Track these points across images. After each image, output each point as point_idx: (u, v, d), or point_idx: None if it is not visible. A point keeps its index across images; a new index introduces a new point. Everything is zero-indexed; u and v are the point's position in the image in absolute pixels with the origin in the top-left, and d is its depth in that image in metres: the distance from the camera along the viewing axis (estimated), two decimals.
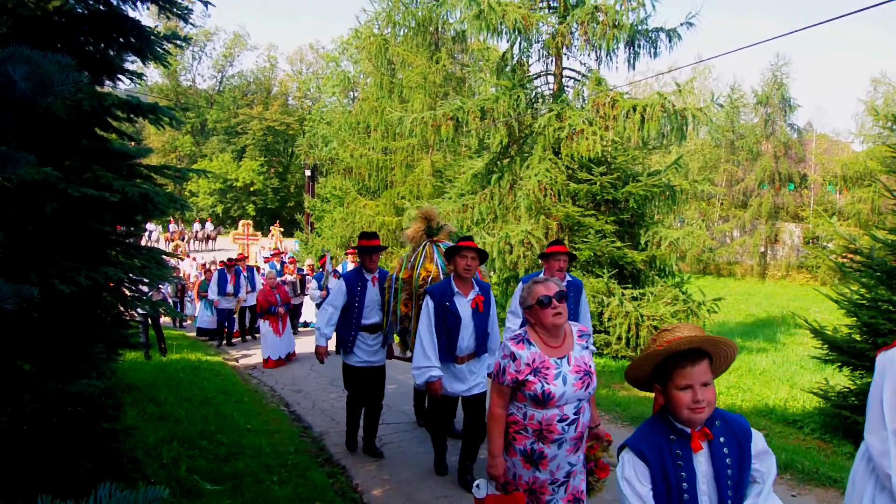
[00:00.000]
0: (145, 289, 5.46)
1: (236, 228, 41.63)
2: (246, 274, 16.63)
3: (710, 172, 37.49)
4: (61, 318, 4.09)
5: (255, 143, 61.90)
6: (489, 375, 4.31)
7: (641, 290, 13.43)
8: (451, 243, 6.76)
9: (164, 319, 23.39)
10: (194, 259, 29.99)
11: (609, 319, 12.85)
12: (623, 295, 12.92)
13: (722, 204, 39.08)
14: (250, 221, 31.76)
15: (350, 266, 14.61)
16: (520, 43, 13.62)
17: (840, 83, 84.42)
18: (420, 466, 6.71)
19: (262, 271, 18.47)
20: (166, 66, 5.51)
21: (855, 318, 8.39)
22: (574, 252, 10.01)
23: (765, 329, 20.85)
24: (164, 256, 5.50)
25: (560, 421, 3.65)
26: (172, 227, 47.95)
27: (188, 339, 17.78)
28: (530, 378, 3.63)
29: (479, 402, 5.96)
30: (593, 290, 12.91)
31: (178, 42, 5.29)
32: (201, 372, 11.66)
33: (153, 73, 63.04)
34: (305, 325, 17.97)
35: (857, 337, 8.48)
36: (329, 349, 8.50)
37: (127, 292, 5.10)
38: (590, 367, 3.75)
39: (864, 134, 38.97)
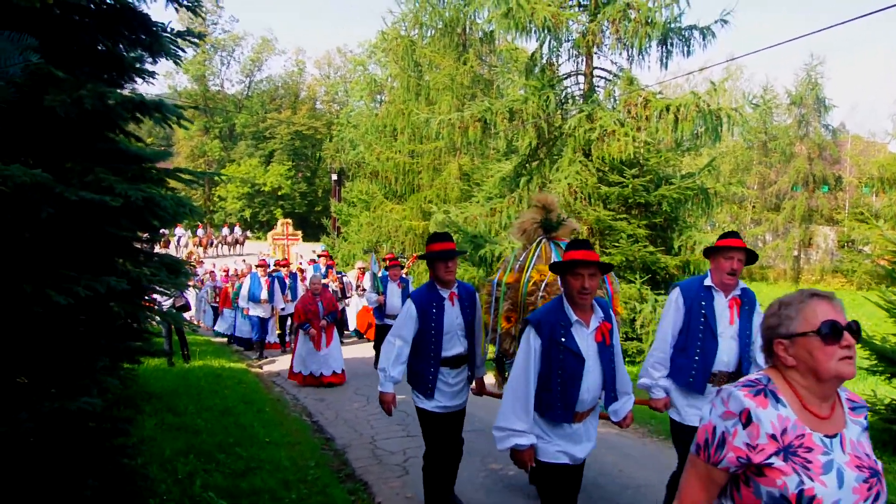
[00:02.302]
0: (158, 297, 5.24)
1: (268, 230, 41.54)
2: (289, 281, 15.75)
3: (742, 175, 36.97)
4: (61, 331, 3.85)
5: (282, 147, 62.07)
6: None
7: None
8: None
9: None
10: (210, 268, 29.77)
11: (642, 326, 12.48)
12: (656, 301, 12.53)
13: (754, 207, 38.51)
14: (289, 221, 29.81)
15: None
16: (549, 42, 13.28)
17: (876, 82, 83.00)
18: None
19: (304, 277, 17.29)
20: (178, 64, 5.25)
21: None
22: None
23: None
24: (180, 263, 5.27)
25: None
26: (200, 231, 48.17)
27: (212, 345, 17.62)
28: (777, 463, 2.09)
29: (581, 470, 4.43)
30: (625, 297, 12.55)
31: (192, 39, 5.05)
32: (223, 380, 11.45)
33: (182, 79, 63.59)
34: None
35: None
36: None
37: (140, 301, 4.87)
38: (876, 463, 2.20)
39: None
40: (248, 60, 67.52)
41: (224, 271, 27.86)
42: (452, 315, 5.37)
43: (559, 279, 4.70)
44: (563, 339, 4.01)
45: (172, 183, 4.98)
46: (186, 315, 16.08)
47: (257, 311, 14.89)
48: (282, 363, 14.33)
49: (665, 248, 13.46)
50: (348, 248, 23.08)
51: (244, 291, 15.08)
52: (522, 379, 4.03)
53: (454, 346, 5.39)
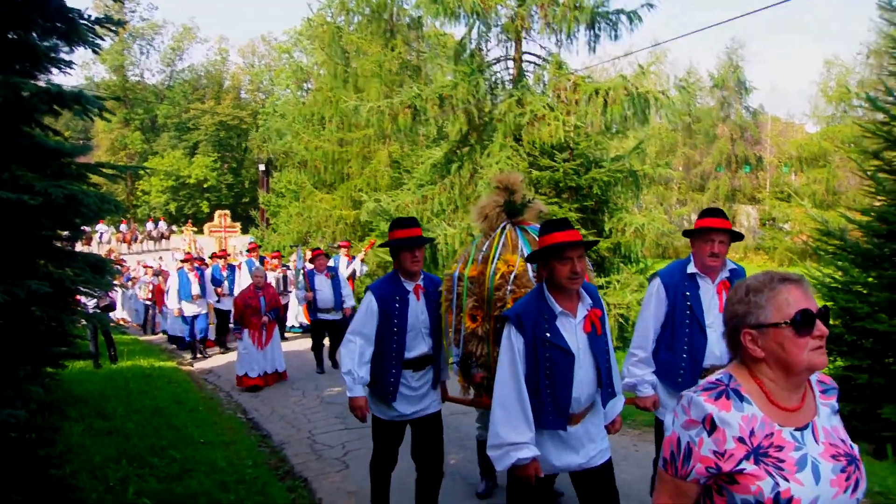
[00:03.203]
0: (83, 298, 4.99)
1: (196, 223, 40.60)
2: (226, 273, 15.05)
3: (668, 156, 37.55)
4: None
5: (207, 138, 60.97)
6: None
7: (607, 279, 13.15)
8: (538, 226, 4.70)
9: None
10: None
11: None
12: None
13: (679, 188, 39.25)
14: (227, 212, 28.67)
15: (344, 261, 14.01)
16: (478, 27, 13.21)
17: (794, 65, 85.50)
18: None
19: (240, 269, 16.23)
20: (96, 52, 4.99)
21: (832, 303, 8.14)
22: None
23: None
24: (105, 262, 5.05)
25: None
26: (124, 227, 46.95)
27: (140, 344, 17.16)
28: (749, 468, 1.94)
29: (605, 478, 3.84)
30: None
31: (112, 26, 4.82)
32: (153, 380, 11.14)
33: (99, 69, 61.75)
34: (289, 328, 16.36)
35: (834, 322, 8.25)
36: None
37: (64, 304, 4.64)
38: (852, 448, 2.08)
39: (818, 115, 39.49)
40: (168, 49, 65.99)
41: (144, 267, 27.11)
42: (417, 310, 4.85)
43: (532, 267, 4.48)
44: (548, 335, 3.55)
45: (94, 178, 4.77)
46: (113, 315, 15.31)
47: (191, 309, 14.11)
48: (214, 360, 14.02)
49: (596, 230, 13.54)
50: (278, 240, 22.68)
51: (172, 291, 14.24)
52: (511, 384, 3.55)
53: (418, 345, 4.87)
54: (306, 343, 13.68)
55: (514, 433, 3.49)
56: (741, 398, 2.00)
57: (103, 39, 4.97)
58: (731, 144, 36.90)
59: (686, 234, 4.68)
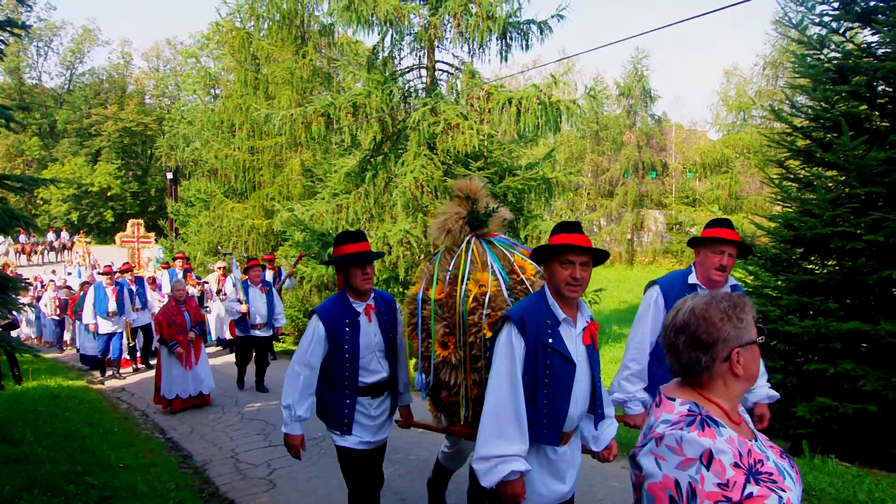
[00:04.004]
0: None
1: (100, 234, 39.15)
2: (135, 287, 14.09)
3: (577, 163, 38.30)
4: None
5: (110, 145, 59.09)
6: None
7: None
8: (505, 237, 4.63)
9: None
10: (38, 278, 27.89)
11: None
12: None
13: (589, 194, 40.01)
14: (141, 221, 27.35)
15: (269, 274, 13.27)
16: (391, 35, 13.18)
17: (696, 74, 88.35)
18: (316, 494, 6.21)
19: (156, 284, 15.69)
20: (0, 59, 4.76)
21: None
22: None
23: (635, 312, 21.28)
24: (9, 279, 4.80)
25: None
26: (23, 237, 45.05)
27: (46, 362, 16.42)
28: (755, 491, 1.89)
29: None
30: None
31: (18, 31, 4.60)
32: (62, 401, 10.63)
33: None
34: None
35: None
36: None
37: None
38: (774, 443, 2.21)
39: (720, 123, 40.83)
40: (68, 52, 63.67)
41: (38, 281, 26.07)
42: (370, 333, 4.44)
43: (540, 272, 4.13)
44: (550, 341, 3.34)
45: None
46: (15, 332, 14.40)
47: (106, 327, 13.27)
48: (127, 378, 13.54)
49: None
50: (188, 250, 22.11)
51: (88, 305, 13.37)
52: (507, 389, 3.29)
53: (374, 370, 4.47)
54: (223, 358, 13.34)
55: (505, 444, 3.25)
56: (716, 423, 1.99)
57: (6, 44, 4.75)
58: (637, 151, 37.82)
59: (692, 242, 4.46)
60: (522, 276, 4.21)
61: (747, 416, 2.18)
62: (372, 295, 4.52)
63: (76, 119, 60.57)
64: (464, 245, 4.46)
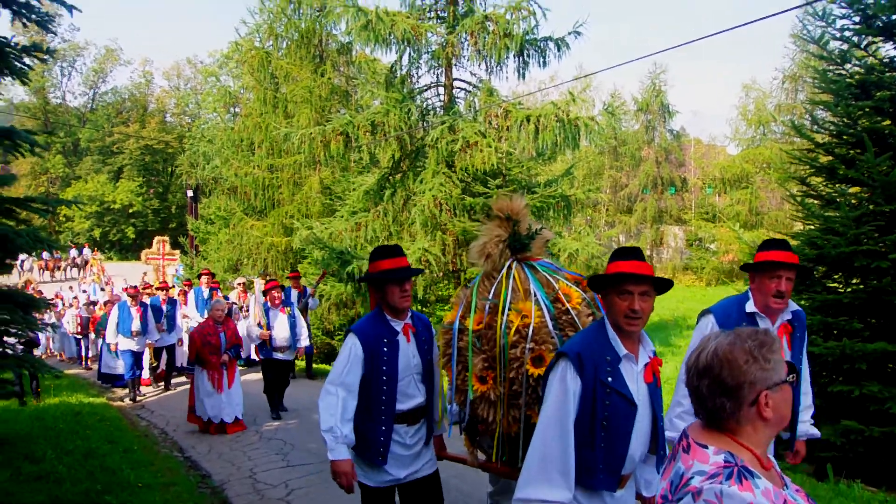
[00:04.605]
0: (11, 340, 4.74)
1: (121, 250, 39.37)
2: (166, 308, 13.75)
3: (596, 179, 38.22)
4: None
5: (132, 162, 59.53)
6: None
7: None
8: (549, 261, 4.24)
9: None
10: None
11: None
12: None
13: (608, 210, 39.91)
14: (166, 238, 26.97)
15: (294, 294, 13.15)
16: (408, 54, 13.22)
17: (715, 89, 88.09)
18: None
19: (185, 305, 14.79)
20: (25, 83, 4.79)
21: None
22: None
23: (659, 333, 21.13)
24: (35, 302, 4.81)
25: None
26: (46, 254, 45.46)
27: (67, 379, 16.51)
28: None
29: None
30: None
31: (41, 55, 4.64)
32: (83, 418, 10.67)
33: (18, 91, 59.93)
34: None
35: None
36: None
37: None
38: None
39: (739, 138, 40.58)
40: (91, 71, 64.31)
41: (59, 298, 26.21)
42: (409, 354, 4.17)
43: (590, 300, 3.88)
44: (610, 380, 3.06)
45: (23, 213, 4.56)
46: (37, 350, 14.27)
47: (129, 345, 12.72)
48: (149, 397, 13.51)
49: None
50: (209, 267, 22.19)
51: (111, 324, 12.90)
52: (556, 430, 3.02)
53: (411, 395, 4.19)
54: (247, 376, 13.25)
55: (549, 489, 2.97)
56: (752, 474, 1.87)
57: (31, 68, 4.79)
58: (656, 167, 37.71)
59: (746, 268, 4.20)
60: (568, 304, 3.87)
61: (775, 461, 2.07)
62: (409, 314, 4.29)
63: (99, 137, 61.12)
64: (504, 271, 4.08)
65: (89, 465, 7.67)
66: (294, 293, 13.21)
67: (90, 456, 8.13)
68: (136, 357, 13.03)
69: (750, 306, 4.09)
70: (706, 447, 1.96)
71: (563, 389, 3.04)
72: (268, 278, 13.42)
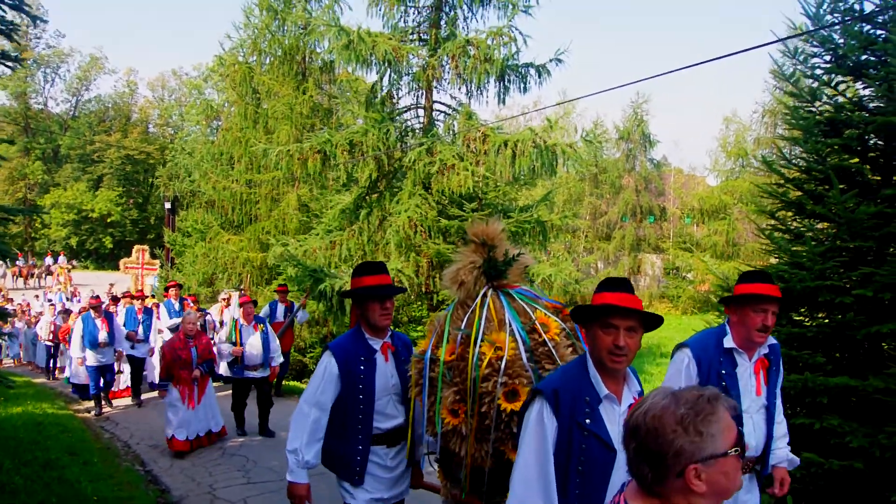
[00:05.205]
0: None
1: (98, 259, 38.89)
2: (142, 317, 13.56)
3: (575, 206, 38.36)
4: None
5: (112, 171, 59.29)
6: None
7: None
8: (527, 289, 4.10)
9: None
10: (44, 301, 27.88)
11: None
12: None
13: (586, 236, 40.03)
14: (146, 247, 26.41)
15: (281, 308, 13.11)
16: (390, 75, 13.27)
17: (695, 120, 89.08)
18: None
19: (158, 318, 14.25)
20: None
21: None
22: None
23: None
24: None
25: None
26: (21, 261, 45.09)
27: (33, 387, 16.32)
28: None
29: None
30: None
31: (8, 63, 4.63)
32: (45, 428, 10.54)
33: None
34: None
35: None
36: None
37: None
38: None
39: (718, 169, 40.88)
40: (74, 78, 64.08)
41: (27, 307, 26.01)
42: (387, 373, 4.10)
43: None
44: (587, 422, 2.86)
45: None
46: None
47: (95, 360, 12.41)
48: (114, 409, 13.29)
49: None
50: (183, 280, 22.05)
51: (76, 336, 12.58)
52: (535, 470, 2.83)
53: (390, 415, 4.11)
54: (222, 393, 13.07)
55: None
56: None
57: None
58: (636, 195, 37.91)
59: (727, 300, 4.06)
60: (545, 335, 3.69)
61: None
62: (389, 333, 4.23)
63: (80, 145, 60.83)
64: (479, 299, 3.88)
65: (47, 477, 7.59)
66: (281, 307, 13.15)
67: (49, 467, 8.04)
68: (103, 371, 12.72)
69: (728, 341, 3.97)
70: None
71: (539, 431, 2.87)
72: (241, 292, 13.32)
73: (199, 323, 11.59)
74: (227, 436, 10.11)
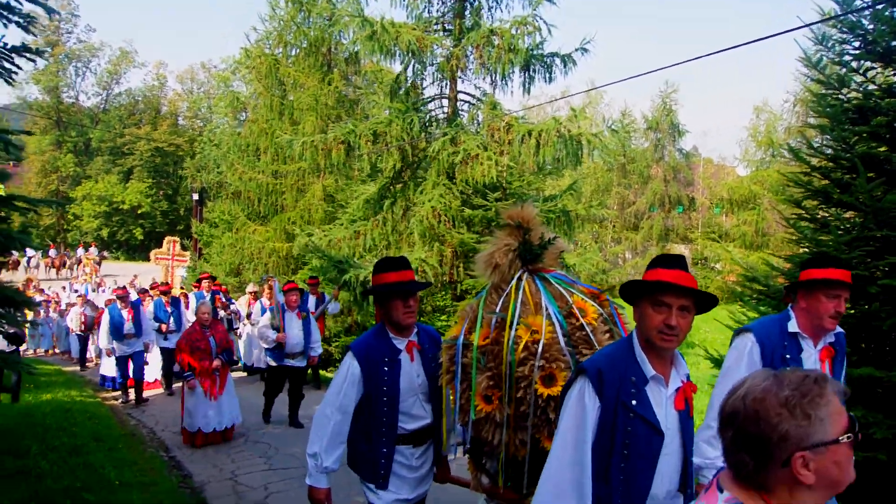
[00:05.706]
0: None
1: (128, 250, 39.35)
2: (170, 309, 13.39)
3: (603, 196, 38.17)
4: None
5: (142, 163, 59.75)
6: None
7: None
8: (563, 273, 3.92)
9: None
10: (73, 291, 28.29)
11: None
12: None
13: (614, 226, 39.82)
14: (177, 238, 26.35)
15: (313, 299, 12.89)
16: (413, 65, 13.28)
17: (725, 109, 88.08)
18: None
19: (188, 304, 14.38)
20: (10, 83, 4.85)
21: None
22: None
23: None
24: (19, 295, 4.84)
25: None
26: (53, 252, 45.74)
27: (63, 375, 16.57)
28: None
29: None
30: None
31: (29, 56, 4.69)
32: (73, 415, 10.74)
33: (33, 90, 60.35)
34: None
35: None
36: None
37: None
38: None
39: (748, 159, 40.53)
40: (105, 72, 64.64)
41: (56, 297, 26.32)
42: (412, 373, 3.91)
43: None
44: (633, 403, 2.71)
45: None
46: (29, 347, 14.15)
47: (121, 350, 12.43)
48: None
49: None
50: (210, 271, 22.25)
51: (103, 329, 12.59)
52: (571, 455, 2.70)
53: (416, 416, 3.93)
54: (249, 386, 13.11)
55: None
56: None
57: (20, 69, 4.83)
58: (664, 185, 37.65)
59: (797, 286, 3.82)
60: (583, 320, 3.54)
61: None
62: (415, 330, 4.02)
63: (110, 138, 61.39)
64: (514, 283, 3.73)
65: (73, 462, 7.73)
66: (312, 299, 12.93)
67: (75, 453, 8.19)
68: (132, 359, 12.68)
69: (793, 326, 3.81)
70: (721, 491, 1.74)
71: (581, 410, 2.73)
72: (271, 279, 13.30)
73: (221, 313, 11.55)
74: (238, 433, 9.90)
